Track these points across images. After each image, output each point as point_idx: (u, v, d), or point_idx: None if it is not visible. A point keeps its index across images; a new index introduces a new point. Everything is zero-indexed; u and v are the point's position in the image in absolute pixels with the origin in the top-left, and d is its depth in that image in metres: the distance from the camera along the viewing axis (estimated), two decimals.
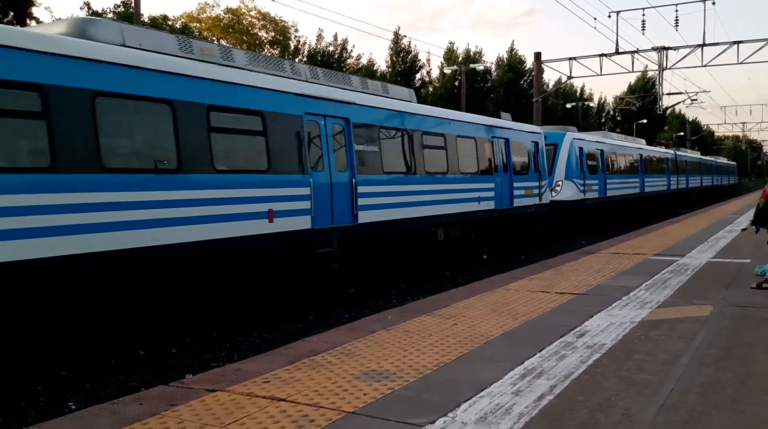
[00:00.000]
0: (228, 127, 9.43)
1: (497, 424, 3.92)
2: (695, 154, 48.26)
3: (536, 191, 18.73)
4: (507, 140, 17.26)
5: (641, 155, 30.60)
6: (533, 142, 18.88)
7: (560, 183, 21.37)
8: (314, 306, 11.03)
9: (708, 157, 54.86)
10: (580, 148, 22.63)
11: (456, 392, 4.50)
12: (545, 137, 19.97)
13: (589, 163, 23.35)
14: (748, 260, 10.98)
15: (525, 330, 6.34)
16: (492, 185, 16.41)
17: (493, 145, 16.61)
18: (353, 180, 11.46)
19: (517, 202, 17.56)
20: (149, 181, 8.06)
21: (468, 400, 4.35)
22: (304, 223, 10.28)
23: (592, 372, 4.95)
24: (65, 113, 7.17)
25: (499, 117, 17.98)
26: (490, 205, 16.22)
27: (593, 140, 24.65)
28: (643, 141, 34.70)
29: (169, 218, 8.23)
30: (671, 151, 38.80)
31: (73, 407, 6.54)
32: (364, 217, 11.61)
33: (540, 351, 5.53)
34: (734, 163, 76.02)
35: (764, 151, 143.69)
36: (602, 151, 24.92)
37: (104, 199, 7.48)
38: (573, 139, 22.25)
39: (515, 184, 17.53)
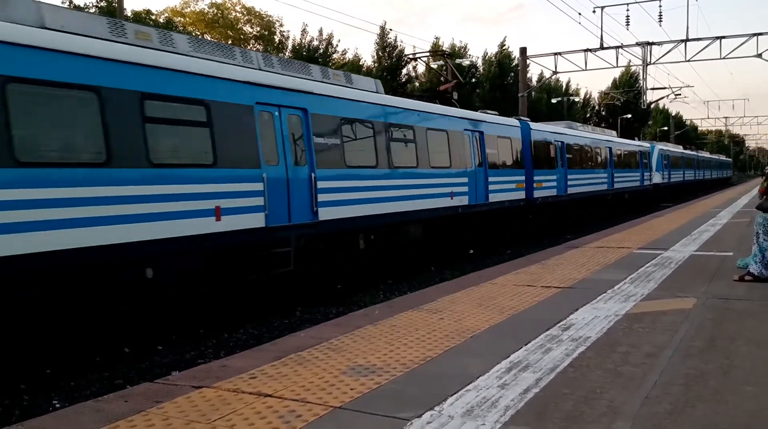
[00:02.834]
0: None
1: (483, 417, 3.93)
2: (707, 154, 68.92)
3: (649, 178, 36.06)
4: (641, 152, 34.67)
5: (683, 157, 49.16)
6: (647, 151, 36.31)
7: (653, 174, 37.49)
8: (301, 302, 11.02)
9: (714, 156, 76.27)
10: (661, 154, 39.28)
11: (442, 386, 4.51)
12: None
13: (664, 162, 40.15)
14: (731, 253, 11.10)
15: (511, 324, 6.37)
16: (638, 175, 33.52)
17: (638, 154, 33.80)
18: (566, 174, 22.90)
19: (643, 182, 34.75)
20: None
21: (454, 393, 4.36)
22: (554, 191, 21.92)
23: (577, 365, 4.98)
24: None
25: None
26: (636, 184, 33.16)
27: (666, 148, 42.02)
28: (681, 147, 54.12)
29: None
30: (695, 153, 57.90)
31: (57, 405, 6.50)
32: (570, 190, 23.20)
33: (526, 344, 5.56)
34: (730, 159, 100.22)
35: (747, 145, 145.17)
36: (668, 155, 42.07)
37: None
38: (659, 148, 39.40)
39: (640, 174, 34.30)
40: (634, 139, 38.41)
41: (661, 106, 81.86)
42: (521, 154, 19.25)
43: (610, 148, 28.41)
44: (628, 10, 39.20)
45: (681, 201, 35.09)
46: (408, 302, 7.65)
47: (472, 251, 16.82)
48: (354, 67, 46.23)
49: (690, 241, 13.24)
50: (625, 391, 4.37)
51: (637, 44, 30.15)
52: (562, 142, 22.63)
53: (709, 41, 28.97)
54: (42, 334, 7.44)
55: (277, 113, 10.47)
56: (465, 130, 16.25)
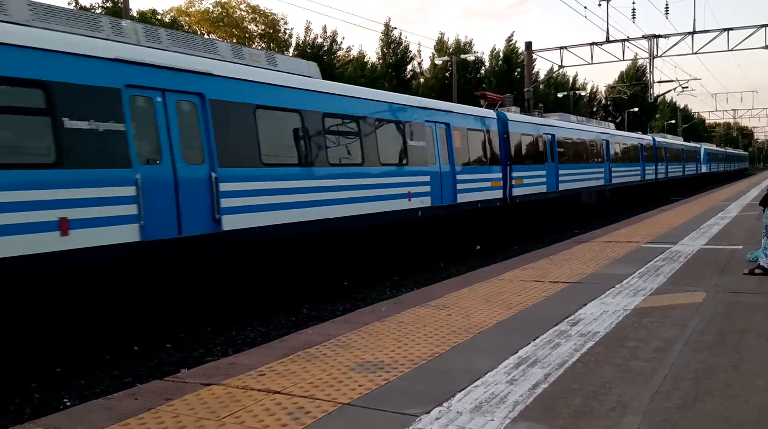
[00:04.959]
0: None
1: (492, 413, 3.93)
2: (731, 150, 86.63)
3: (699, 168, 53.18)
4: (696, 150, 54.13)
5: (717, 153, 64.94)
6: (699, 150, 54.24)
7: (701, 166, 53.72)
8: (308, 299, 11.04)
9: (735, 150, 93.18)
10: (705, 151, 55.63)
11: (451, 382, 4.51)
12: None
13: (707, 157, 55.97)
14: (741, 247, 11.04)
15: (519, 319, 6.36)
16: (695, 166, 52.24)
17: (694, 152, 52.80)
18: (667, 166, 41.92)
19: (698, 171, 53.31)
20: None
21: (463, 389, 4.36)
22: (663, 175, 40.39)
23: (586, 360, 4.96)
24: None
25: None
26: (695, 172, 52.02)
27: (708, 147, 58.80)
28: (714, 145, 70.97)
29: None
30: (725, 150, 75.93)
31: (68, 403, 6.53)
32: (670, 175, 42.48)
33: (534, 340, 5.55)
34: (746, 153, 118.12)
35: (755, 137, 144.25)
36: (709, 152, 58.12)
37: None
38: (704, 147, 56.67)
39: (695, 166, 52.93)
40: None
41: (668, 99, 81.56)
42: (652, 154, 36.71)
43: (683, 149, 46.46)
44: (634, 2, 39.02)
45: (718, 185, 48.13)
46: (415, 298, 7.65)
47: (479, 247, 16.81)
48: (359, 63, 46.21)
49: (699, 235, 13.18)
50: (635, 386, 4.35)
51: (644, 37, 29.98)
52: (665, 147, 39.94)
53: (717, 33, 28.78)
54: (44, 334, 7.49)
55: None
56: (639, 143, 33.19)
